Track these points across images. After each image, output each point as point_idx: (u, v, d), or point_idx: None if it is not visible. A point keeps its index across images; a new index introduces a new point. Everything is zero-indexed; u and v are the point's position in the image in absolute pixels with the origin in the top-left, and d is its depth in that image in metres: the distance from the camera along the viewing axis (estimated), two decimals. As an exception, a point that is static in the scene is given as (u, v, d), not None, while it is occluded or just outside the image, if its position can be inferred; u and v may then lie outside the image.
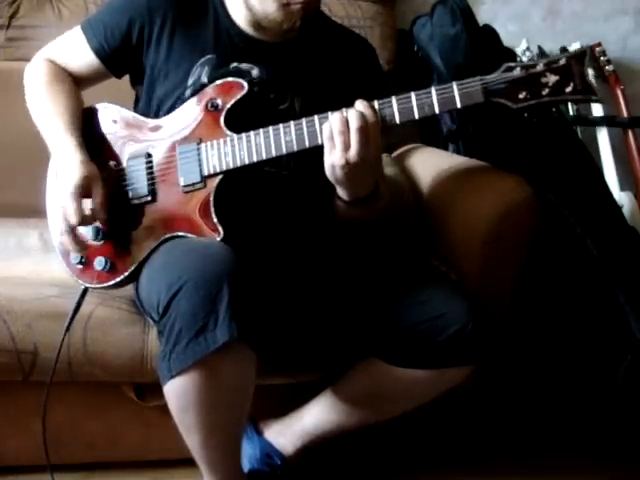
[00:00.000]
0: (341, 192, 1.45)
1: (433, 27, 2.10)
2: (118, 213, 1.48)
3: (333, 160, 1.35)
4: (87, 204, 1.43)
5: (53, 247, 1.56)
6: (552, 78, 1.30)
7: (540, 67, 1.31)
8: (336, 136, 1.34)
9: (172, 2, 1.56)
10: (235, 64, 1.54)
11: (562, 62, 1.31)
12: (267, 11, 1.50)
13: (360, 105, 1.36)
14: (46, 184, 1.60)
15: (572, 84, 1.30)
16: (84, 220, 1.42)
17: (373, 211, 1.49)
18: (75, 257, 1.50)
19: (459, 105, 1.33)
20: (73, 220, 1.41)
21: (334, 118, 1.35)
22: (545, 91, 1.31)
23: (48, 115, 1.54)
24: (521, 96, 1.31)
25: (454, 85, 1.33)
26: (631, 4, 2.50)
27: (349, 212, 1.48)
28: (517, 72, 1.32)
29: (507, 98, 1.32)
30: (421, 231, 1.73)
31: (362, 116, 1.33)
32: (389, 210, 1.55)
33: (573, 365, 1.94)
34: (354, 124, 1.33)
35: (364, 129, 1.33)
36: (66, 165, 1.45)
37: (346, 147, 1.34)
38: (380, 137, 1.35)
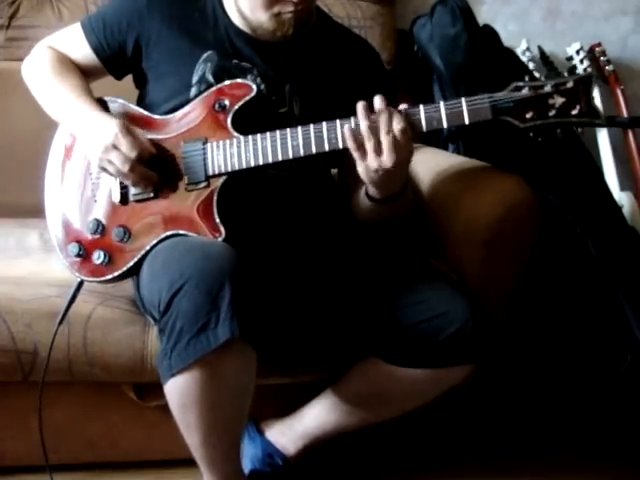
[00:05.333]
0: (373, 191, 1.43)
1: (433, 27, 2.10)
2: (120, 208, 1.49)
3: (367, 165, 1.35)
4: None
5: (53, 247, 1.56)
6: (559, 100, 1.31)
7: (548, 88, 1.32)
8: (366, 143, 1.33)
9: (172, 1, 1.57)
10: (235, 61, 1.54)
11: (570, 85, 1.32)
12: (260, 20, 1.51)
13: (386, 110, 1.34)
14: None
15: (578, 107, 1.31)
16: (142, 151, 1.42)
17: (401, 206, 1.49)
18: (73, 249, 1.50)
19: (467, 122, 1.34)
20: (133, 154, 1.41)
21: (362, 126, 1.33)
22: (552, 112, 1.32)
23: (60, 92, 1.54)
24: (528, 116, 1.32)
25: (463, 101, 1.33)
26: (631, 4, 2.50)
27: (378, 210, 1.48)
28: (525, 92, 1.33)
29: (514, 117, 1.33)
30: (421, 231, 1.73)
31: (389, 121, 1.32)
32: (412, 205, 1.56)
33: (573, 365, 1.94)
34: (383, 129, 1.32)
35: (393, 133, 1.32)
36: (96, 123, 1.46)
37: (377, 152, 1.33)
38: (411, 138, 1.34)
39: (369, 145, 1.33)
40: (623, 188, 2.34)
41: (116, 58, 1.59)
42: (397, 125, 1.33)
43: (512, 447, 1.89)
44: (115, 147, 1.42)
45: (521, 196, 1.61)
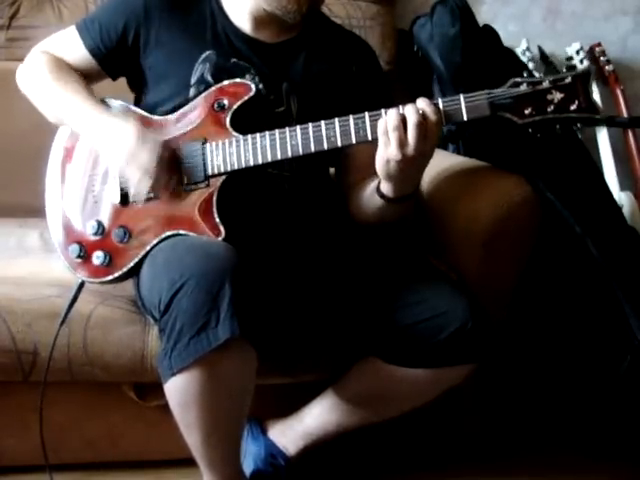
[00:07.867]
0: (387, 188, 1.42)
1: (433, 27, 2.10)
2: (120, 208, 1.49)
3: (388, 155, 1.33)
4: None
5: (53, 247, 1.56)
6: (557, 95, 1.32)
7: (546, 84, 1.32)
8: (391, 132, 1.32)
9: (169, 2, 1.56)
10: (234, 60, 1.54)
11: (568, 80, 1.32)
12: None
13: (421, 102, 1.34)
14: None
15: (577, 102, 1.31)
16: (161, 158, 1.42)
17: (410, 208, 1.49)
18: (74, 250, 1.50)
19: (465, 118, 1.33)
20: (154, 163, 1.41)
21: (390, 113, 1.32)
22: (550, 108, 1.32)
23: (65, 97, 1.53)
24: (527, 112, 1.32)
25: (461, 97, 1.33)
26: (631, 4, 2.50)
27: (386, 210, 1.47)
28: (524, 88, 1.33)
29: (513, 113, 1.33)
30: (421, 230, 1.73)
31: (420, 112, 1.31)
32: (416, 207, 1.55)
33: (573, 365, 1.94)
34: (412, 119, 1.31)
35: (422, 125, 1.31)
36: (112, 129, 1.45)
37: (401, 143, 1.32)
38: (438, 135, 1.34)
39: (394, 135, 1.31)
40: (623, 188, 2.35)
41: (113, 57, 1.58)
42: (433, 116, 1.32)
43: (512, 447, 1.89)
44: (135, 156, 1.41)
45: (521, 196, 1.61)
